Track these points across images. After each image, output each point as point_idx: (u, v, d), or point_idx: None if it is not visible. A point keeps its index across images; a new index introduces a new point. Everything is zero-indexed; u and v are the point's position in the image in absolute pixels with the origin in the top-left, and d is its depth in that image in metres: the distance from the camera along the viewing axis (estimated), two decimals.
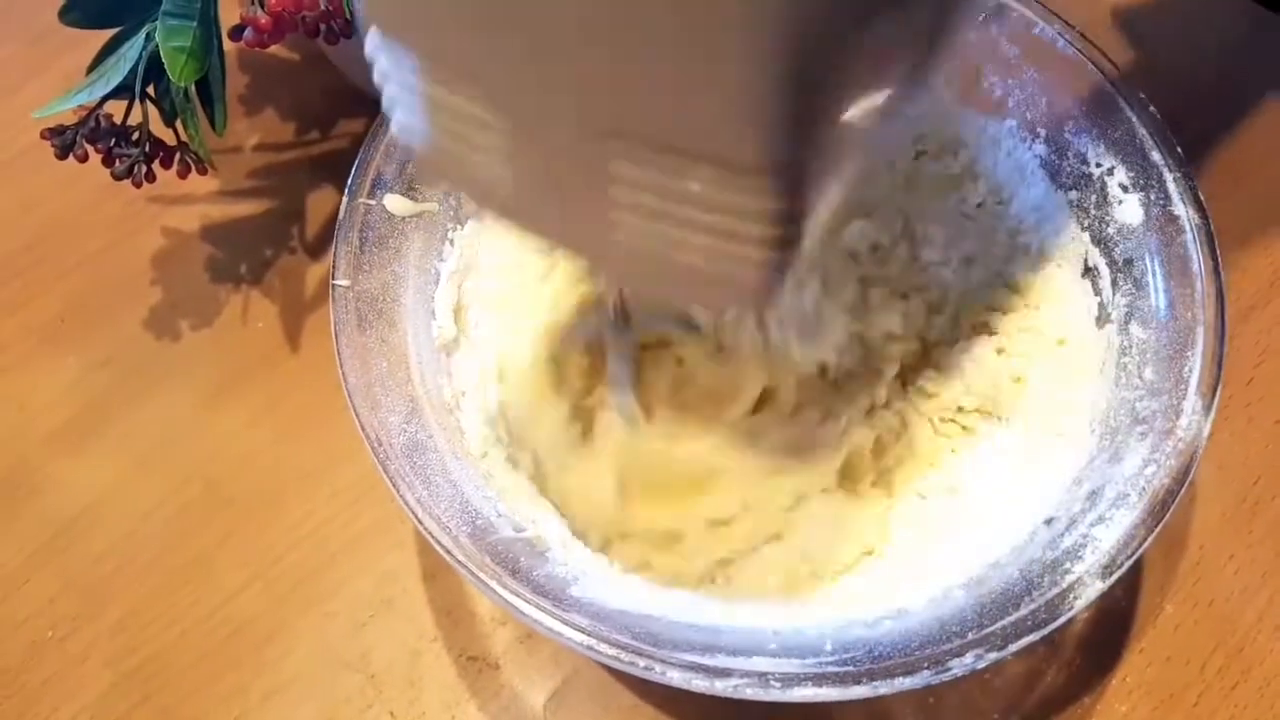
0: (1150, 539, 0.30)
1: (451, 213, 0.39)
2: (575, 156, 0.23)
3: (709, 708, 0.36)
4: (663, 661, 0.29)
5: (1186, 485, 0.31)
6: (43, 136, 0.39)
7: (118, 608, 0.41)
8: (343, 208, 0.36)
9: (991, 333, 0.40)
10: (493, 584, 0.30)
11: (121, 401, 0.45)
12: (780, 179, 0.21)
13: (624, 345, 0.37)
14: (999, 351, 0.39)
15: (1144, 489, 0.31)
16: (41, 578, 0.41)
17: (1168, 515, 0.31)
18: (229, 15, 0.39)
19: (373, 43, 0.24)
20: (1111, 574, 0.30)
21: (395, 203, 0.37)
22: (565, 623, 0.30)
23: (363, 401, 0.33)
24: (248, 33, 0.38)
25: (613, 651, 0.29)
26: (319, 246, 0.48)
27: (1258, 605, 0.39)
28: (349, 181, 0.37)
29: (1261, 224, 0.47)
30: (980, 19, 0.38)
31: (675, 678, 0.29)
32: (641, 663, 0.29)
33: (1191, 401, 0.32)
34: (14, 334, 0.47)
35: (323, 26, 0.38)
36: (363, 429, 0.33)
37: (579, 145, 0.22)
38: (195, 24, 0.38)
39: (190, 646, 0.40)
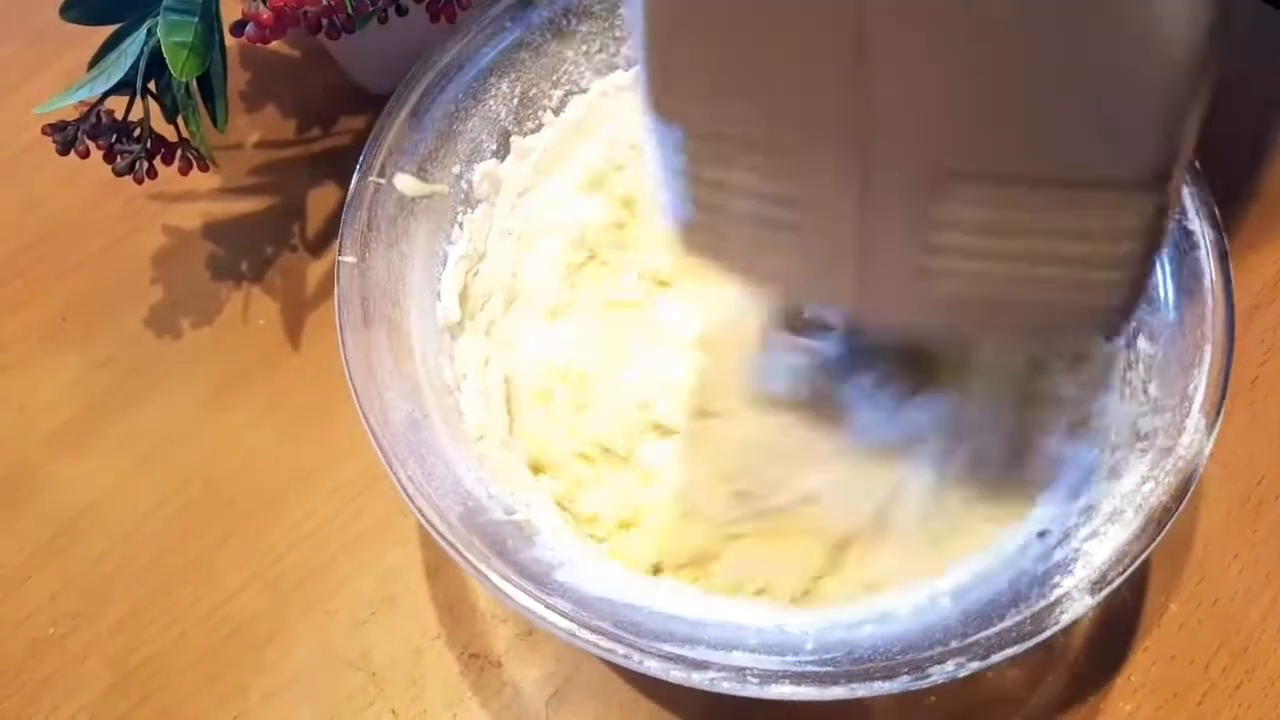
0: (1143, 556, 0.30)
1: (462, 196, 0.39)
2: (892, 207, 0.22)
3: (711, 707, 0.36)
4: (641, 651, 0.29)
5: (1184, 504, 0.31)
6: (44, 132, 0.39)
7: (118, 607, 0.41)
8: (353, 184, 0.37)
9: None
10: (479, 564, 0.30)
11: (122, 400, 0.45)
12: (1163, 189, 0.20)
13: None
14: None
15: (1140, 505, 0.31)
16: (42, 576, 0.41)
17: (1163, 533, 0.30)
18: (230, 11, 0.39)
19: (653, 129, 0.24)
20: (1101, 590, 0.29)
21: (405, 183, 0.37)
22: (548, 606, 0.30)
23: (361, 377, 0.33)
24: (249, 28, 0.37)
25: (592, 638, 0.29)
26: (320, 244, 0.48)
27: (1262, 604, 0.39)
28: (360, 158, 0.37)
29: (1267, 222, 0.46)
30: None
31: (653, 667, 0.29)
32: (620, 650, 0.29)
33: (1195, 420, 0.32)
34: (14, 333, 0.46)
35: (324, 22, 0.38)
36: (359, 404, 0.33)
37: (903, 198, 0.21)
38: (197, 19, 0.38)
39: (190, 646, 0.40)
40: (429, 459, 0.33)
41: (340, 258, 0.35)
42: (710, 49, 0.21)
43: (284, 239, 0.48)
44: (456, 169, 0.39)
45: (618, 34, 0.42)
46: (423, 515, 0.31)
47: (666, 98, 0.23)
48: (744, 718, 0.37)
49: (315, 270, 0.47)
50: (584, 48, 0.41)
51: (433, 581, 0.40)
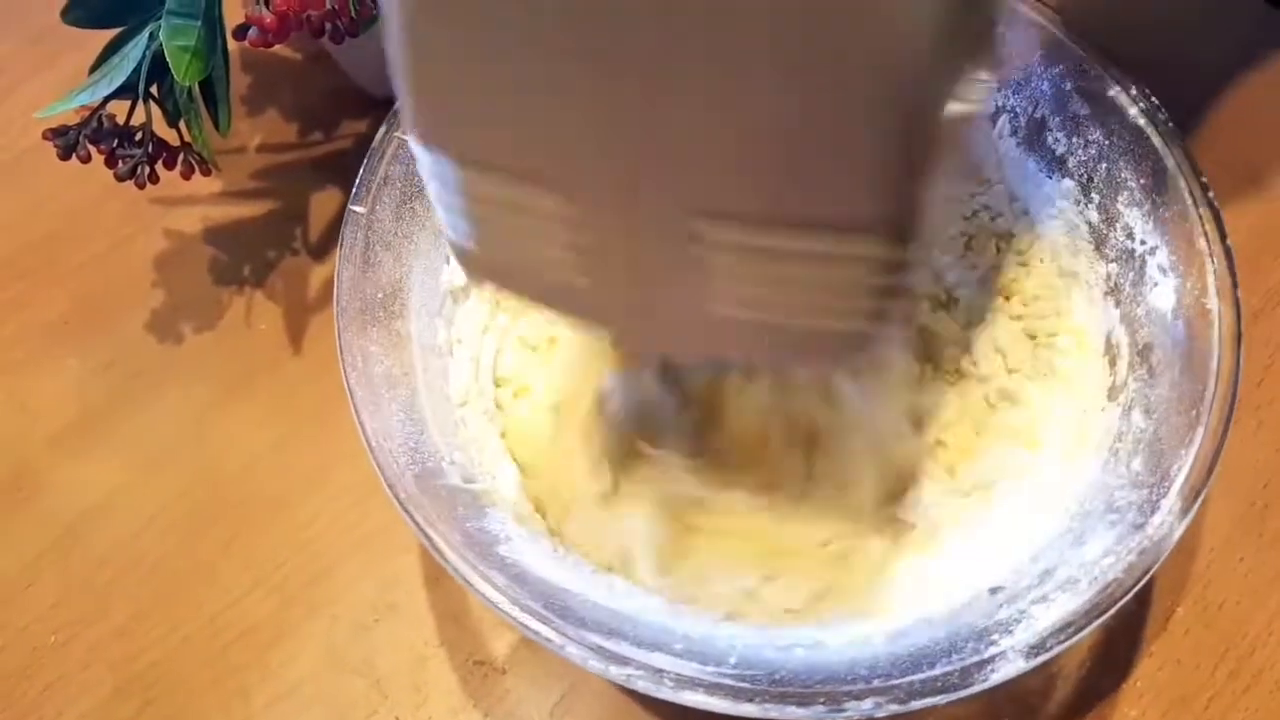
0: (1088, 630, 0.29)
1: None
2: (661, 240, 0.22)
3: None
4: (565, 635, 0.29)
5: (1140, 584, 0.30)
6: (45, 137, 0.39)
7: (120, 612, 0.40)
8: (378, 136, 0.37)
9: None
10: (424, 526, 0.31)
11: (124, 404, 0.44)
12: (901, 230, 0.21)
13: (673, 400, 0.37)
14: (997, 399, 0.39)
15: (1096, 578, 0.30)
16: (44, 582, 0.41)
17: (1112, 610, 0.29)
18: (233, 14, 0.39)
19: (420, 154, 0.23)
20: (1037, 655, 0.29)
21: None
22: (483, 577, 0.30)
23: (348, 324, 0.34)
24: (252, 32, 0.37)
25: (520, 615, 0.29)
26: (322, 248, 0.47)
27: (1269, 608, 0.39)
28: (391, 110, 0.37)
29: (1271, 224, 0.46)
30: (1058, 70, 0.37)
31: (573, 653, 0.29)
32: (544, 632, 0.29)
33: (1171, 501, 0.31)
34: (16, 336, 0.46)
35: (328, 26, 0.38)
36: (341, 351, 0.33)
37: (666, 228, 0.22)
38: (199, 23, 0.38)
39: (193, 651, 0.40)
40: (398, 416, 0.33)
41: (351, 206, 0.35)
42: (472, 78, 0.21)
43: (286, 243, 0.48)
44: None
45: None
46: (380, 469, 0.31)
47: (430, 126, 0.23)
48: None
49: (318, 274, 0.47)
50: None
51: (436, 588, 0.40)
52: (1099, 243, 0.37)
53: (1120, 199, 0.37)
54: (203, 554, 0.41)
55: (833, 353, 0.25)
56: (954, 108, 0.20)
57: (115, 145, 0.40)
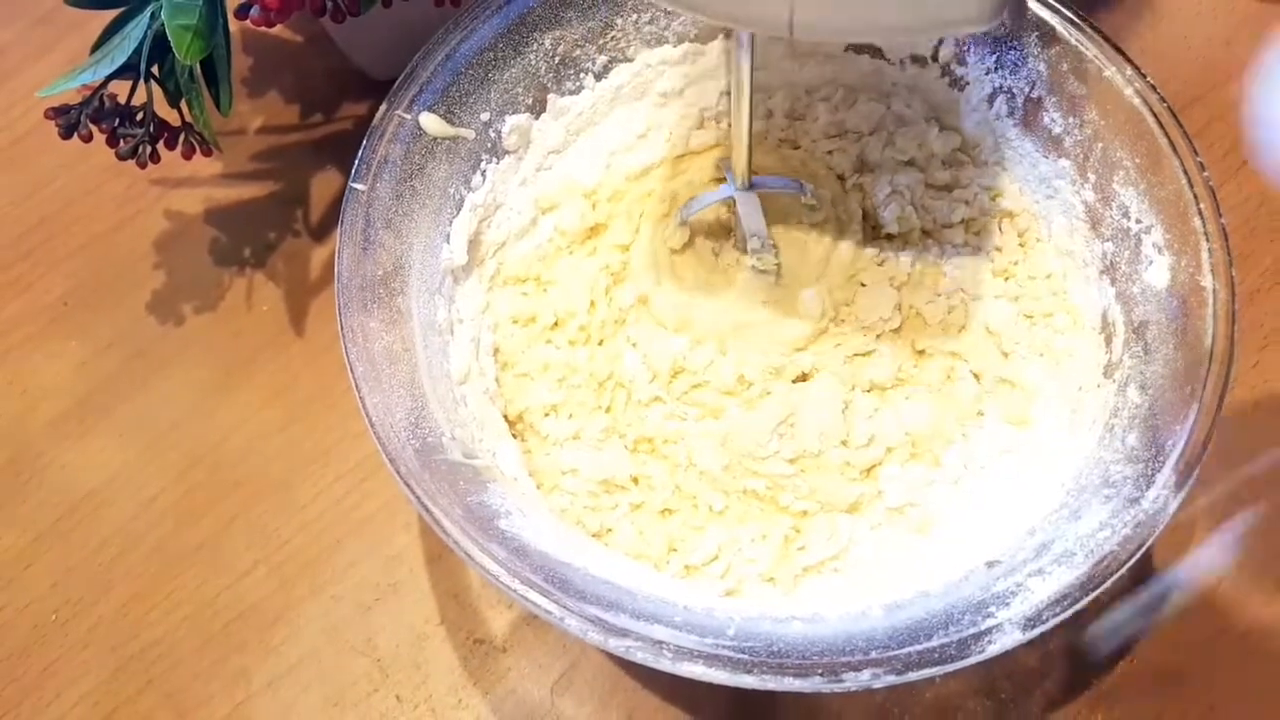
0: (1084, 602, 0.29)
1: (489, 145, 0.40)
2: None
3: (715, 695, 0.36)
4: (564, 608, 0.29)
5: (1135, 557, 0.30)
6: (47, 116, 0.39)
7: (121, 592, 0.41)
8: (379, 115, 0.37)
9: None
10: (425, 500, 0.31)
11: (125, 385, 0.45)
12: None
13: (752, 204, 0.38)
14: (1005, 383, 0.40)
15: (1092, 551, 0.30)
16: (45, 562, 0.41)
17: (1108, 582, 0.30)
18: None
19: None
20: (1034, 627, 0.29)
21: (430, 122, 0.38)
22: (483, 550, 0.30)
23: (349, 300, 0.34)
24: (254, 10, 0.37)
25: (520, 588, 0.30)
26: (323, 229, 0.47)
27: (1265, 589, 0.39)
28: (392, 89, 0.37)
29: (1266, 208, 0.47)
30: (1055, 50, 0.38)
31: (573, 626, 0.29)
32: (544, 604, 0.29)
33: (1165, 475, 0.31)
34: (17, 317, 0.46)
35: (329, 4, 0.38)
36: (341, 328, 0.33)
37: None
38: (201, 2, 0.38)
39: (195, 631, 0.40)
40: (399, 391, 0.33)
41: (351, 183, 0.36)
42: None
43: (287, 224, 0.48)
44: (486, 117, 0.39)
45: (670, 7, 0.42)
46: (381, 444, 0.32)
47: None
48: (743, 703, 0.37)
49: (318, 255, 0.47)
50: (634, 17, 0.41)
51: (437, 567, 0.40)
52: (1095, 222, 0.38)
53: (1116, 178, 0.37)
54: (204, 534, 0.41)
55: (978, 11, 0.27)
56: None
57: (116, 124, 0.39)
